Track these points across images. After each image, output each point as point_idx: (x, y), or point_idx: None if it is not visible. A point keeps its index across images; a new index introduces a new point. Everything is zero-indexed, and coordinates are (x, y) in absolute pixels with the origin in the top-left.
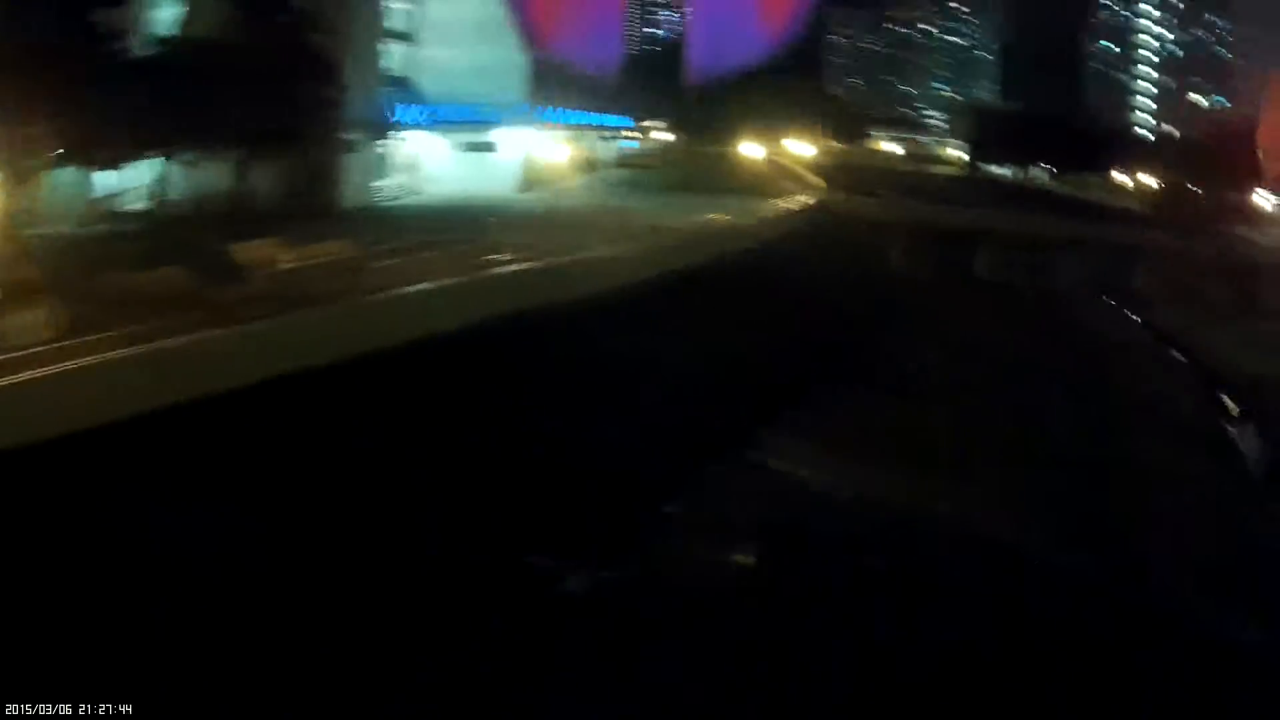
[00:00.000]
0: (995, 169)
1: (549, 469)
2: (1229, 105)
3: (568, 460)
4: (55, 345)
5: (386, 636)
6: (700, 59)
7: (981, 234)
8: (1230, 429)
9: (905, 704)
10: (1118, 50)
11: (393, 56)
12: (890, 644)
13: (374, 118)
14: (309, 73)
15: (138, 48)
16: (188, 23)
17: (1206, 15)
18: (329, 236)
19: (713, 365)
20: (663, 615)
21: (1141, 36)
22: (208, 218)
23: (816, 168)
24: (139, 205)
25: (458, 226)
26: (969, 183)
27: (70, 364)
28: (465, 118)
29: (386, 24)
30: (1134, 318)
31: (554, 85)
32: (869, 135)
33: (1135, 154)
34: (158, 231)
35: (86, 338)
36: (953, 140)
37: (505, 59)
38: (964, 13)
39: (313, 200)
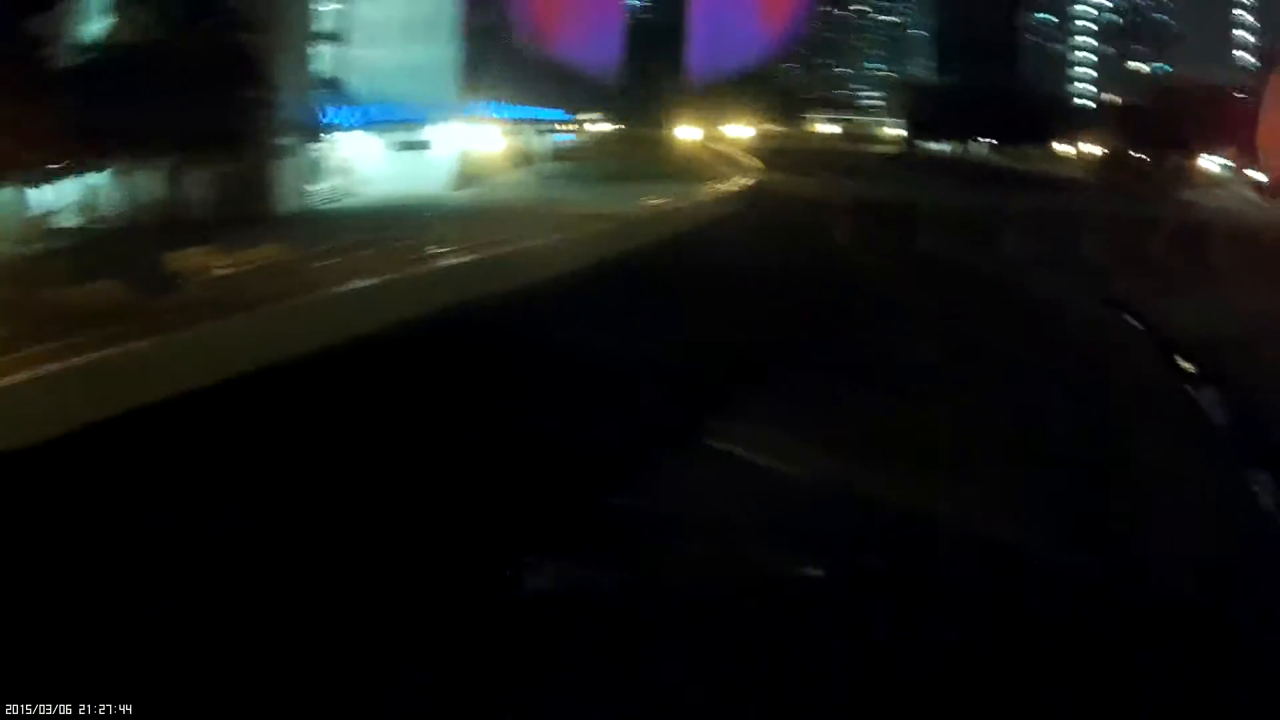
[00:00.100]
0: (935, 146)
1: (487, 460)
2: (1171, 71)
3: (507, 451)
4: None
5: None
6: (701, 58)
7: (922, 209)
8: (1188, 390)
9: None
10: (1055, 21)
11: (323, 58)
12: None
13: (306, 120)
14: (240, 76)
15: (66, 56)
16: (116, 28)
17: None
18: (264, 241)
19: (652, 348)
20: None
21: (1079, 7)
22: (143, 228)
23: (754, 151)
24: (74, 220)
25: (394, 225)
26: (906, 160)
27: None
28: (398, 117)
29: (316, 26)
30: (1083, 285)
31: (487, 81)
32: (806, 118)
33: (1077, 123)
34: (93, 245)
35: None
36: (891, 119)
37: (436, 57)
38: None
39: (248, 206)
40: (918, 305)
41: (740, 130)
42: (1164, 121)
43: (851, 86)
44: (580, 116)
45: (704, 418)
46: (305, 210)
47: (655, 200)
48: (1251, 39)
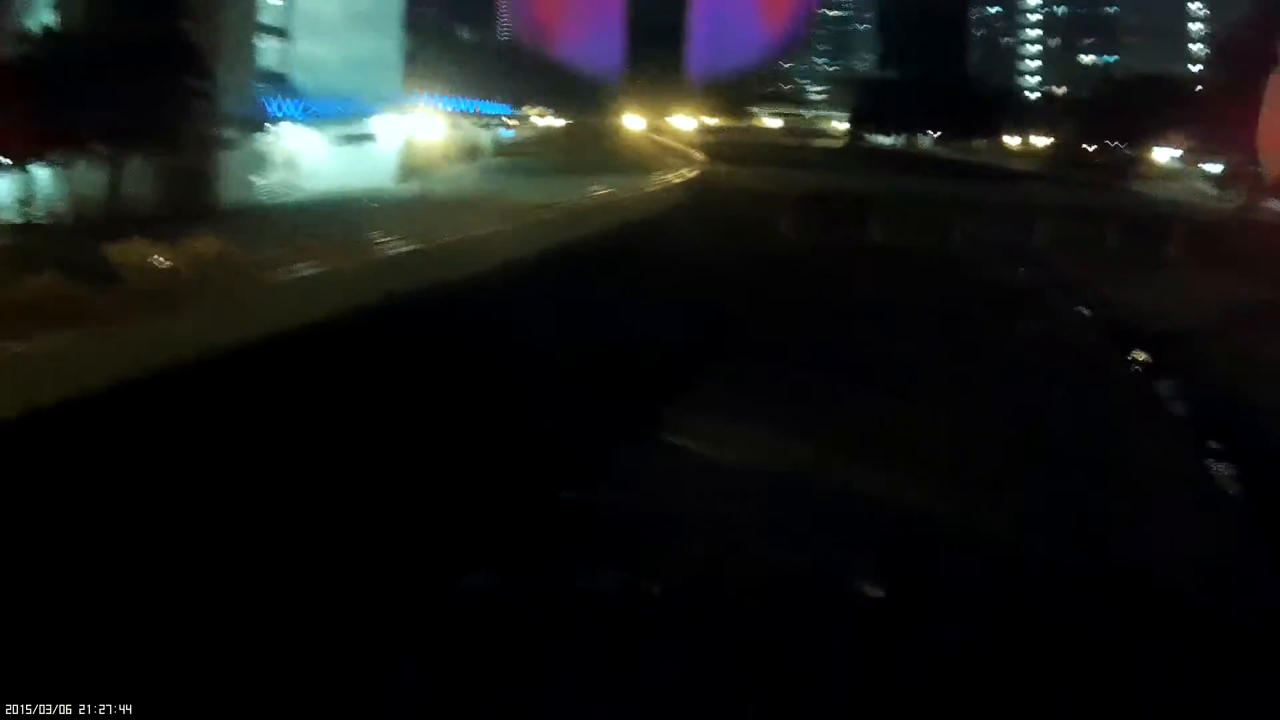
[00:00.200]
0: (881, 139)
1: (432, 454)
2: (1115, 62)
3: (453, 444)
4: None
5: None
6: (699, 57)
7: (865, 201)
8: (1137, 374)
9: None
10: (1004, 14)
11: (267, 52)
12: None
13: (250, 114)
14: (182, 68)
15: (2, 48)
16: (55, 19)
17: None
18: (207, 234)
19: (594, 333)
20: None
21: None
22: (85, 222)
23: (699, 144)
24: (13, 215)
25: (338, 217)
26: (850, 153)
27: None
28: (341, 111)
29: (259, 19)
30: (1032, 275)
31: (430, 74)
32: (751, 112)
33: (1026, 116)
34: (33, 239)
35: None
36: (836, 113)
37: (379, 50)
38: None
39: (190, 199)
40: (867, 293)
41: (685, 122)
42: (1113, 113)
43: (797, 81)
44: (526, 110)
45: (649, 405)
46: (249, 203)
47: (600, 190)
48: (1202, 29)
